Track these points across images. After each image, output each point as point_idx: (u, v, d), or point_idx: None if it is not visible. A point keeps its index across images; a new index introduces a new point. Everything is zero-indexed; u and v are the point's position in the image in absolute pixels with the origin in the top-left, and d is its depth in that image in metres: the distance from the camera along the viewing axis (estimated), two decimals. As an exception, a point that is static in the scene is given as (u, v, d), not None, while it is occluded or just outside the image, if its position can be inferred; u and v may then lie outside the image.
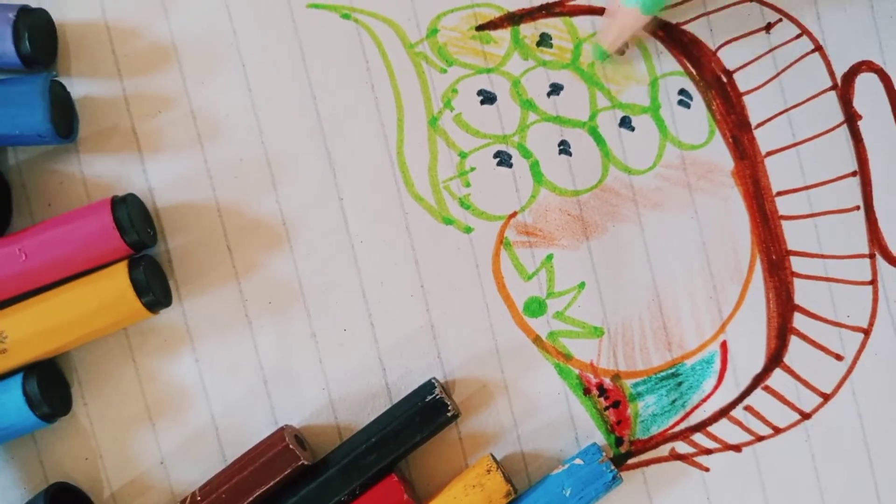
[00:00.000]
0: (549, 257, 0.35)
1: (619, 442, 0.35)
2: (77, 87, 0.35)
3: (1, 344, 0.33)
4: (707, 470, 0.35)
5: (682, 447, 0.35)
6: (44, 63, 0.34)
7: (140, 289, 0.33)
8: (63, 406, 0.34)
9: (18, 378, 0.33)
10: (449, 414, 0.33)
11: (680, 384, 0.35)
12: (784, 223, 0.36)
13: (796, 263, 0.36)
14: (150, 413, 0.35)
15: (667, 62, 0.36)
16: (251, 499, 0.33)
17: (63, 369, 0.35)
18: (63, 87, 0.34)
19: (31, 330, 0.33)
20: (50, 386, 0.34)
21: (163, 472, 0.35)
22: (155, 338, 0.35)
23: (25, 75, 0.33)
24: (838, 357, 0.36)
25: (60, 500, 0.33)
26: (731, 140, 0.36)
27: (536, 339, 0.35)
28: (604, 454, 0.34)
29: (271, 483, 0.33)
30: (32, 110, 0.32)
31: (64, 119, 0.34)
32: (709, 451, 0.35)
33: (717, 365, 0.35)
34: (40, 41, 0.34)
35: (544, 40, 0.36)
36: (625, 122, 0.36)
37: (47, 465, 0.35)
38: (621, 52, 0.36)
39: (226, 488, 0.33)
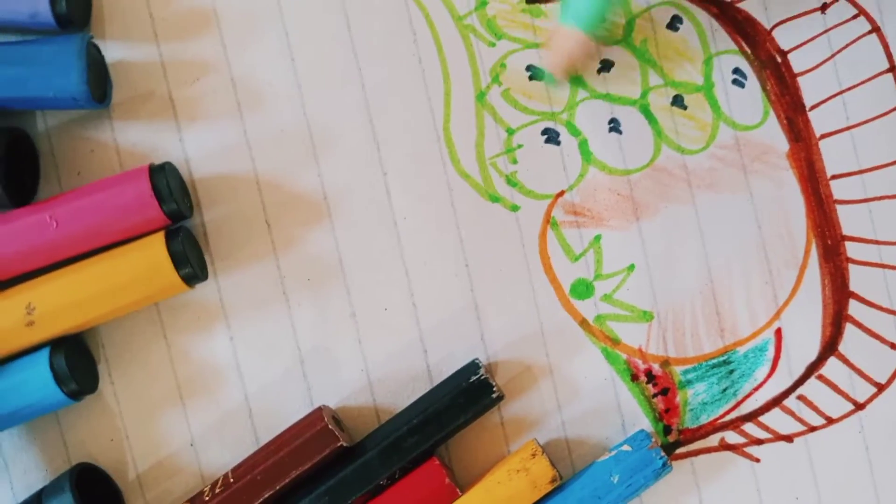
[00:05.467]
0: (598, 238, 0.34)
1: (667, 430, 0.34)
2: (111, 51, 0.34)
3: (28, 316, 0.31)
4: (758, 461, 0.34)
5: (732, 437, 0.34)
6: (79, 24, 0.33)
7: (178, 261, 0.31)
8: (90, 384, 0.33)
9: (45, 353, 0.32)
10: (494, 395, 0.32)
11: (732, 372, 0.34)
12: (839, 207, 0.35)
13: (851, 249, 0.35)
14: (180, 392, 0.34)
15: (721, 40, 0.35)
16: (287, 481, 0.32)
17: (90, 346, 0.33)
18: (98, 50, 0.33)
19: (61, 302, 0.31)
20: (77, 362, 0.32)
21: (192, 455, 0.34)
22: (188, 314, 0.34)
23: (60, 36, 0.32)
24: (893, 346, 0.35)
25: (84, 482, 0.32)
26: (785, 121, 0.35)
27: (583, 322, 0.34)
28: (653, 440, 0.33)
29: (309, 464, 0.32)
30: (68, 71, 0.31)
31: (98, 83, 0.33)
32: (760, 442, 0.34)
33: (770, 353, 0.34)
34: (76, 1, 0.32)
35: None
36: (677, 101, 0.35)
37: (71, 445, 0.33)
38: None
39: (261, 469, 0.32)
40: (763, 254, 0.34)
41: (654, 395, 0.34)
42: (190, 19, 0.34)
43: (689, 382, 0.34)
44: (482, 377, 0.32)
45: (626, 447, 0.33)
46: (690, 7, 0.35)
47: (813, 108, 0.35)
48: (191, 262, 0.31)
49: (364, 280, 0.34)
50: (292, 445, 0.32)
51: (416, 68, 0.34)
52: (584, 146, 0.35)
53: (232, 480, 0.32)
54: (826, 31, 0.35)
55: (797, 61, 0.35)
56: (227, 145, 0.34)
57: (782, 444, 0.34)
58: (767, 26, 0.35)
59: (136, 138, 0.34)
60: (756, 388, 0.34)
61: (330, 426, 0.32)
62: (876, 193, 0.35)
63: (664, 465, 0.32)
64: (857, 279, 0.35)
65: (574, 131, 0.35)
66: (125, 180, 0.31)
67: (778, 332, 0.34)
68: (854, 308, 0.35)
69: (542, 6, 0.35)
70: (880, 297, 0.35)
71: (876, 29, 0.35)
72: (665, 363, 0.34)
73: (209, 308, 0.34)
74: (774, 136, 0.35)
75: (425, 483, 0.32)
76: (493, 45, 0.34)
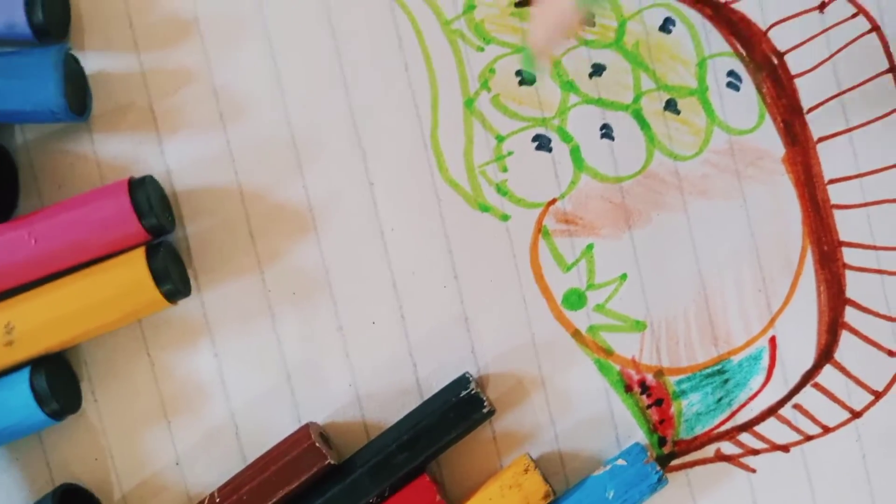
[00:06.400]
0: (590, 247, 0.34)
1: (661, 442, 0.34)
2: (91, 62, 0.33)
3: (7, 336, 0.31)
4: (754, 471, 0.34)
5: (727, 447, 0.34)
6: (57, 35, 0.32)
7: (159, 277, 0.31)
8: (72, 403, 0.32)
9: (25, 372, 0.31)
10: (485, 410, 0.32)
11: (726, 381, 0.34)
12: (836, 212, 0.34)
13: (848, 255, 0.34)
14: (165, 410, 0.33)
15: (715, 42, 0.34)
16: (275, 500, 0.31)
17: (72, 364, 0.33)
18: (77, 61, 0.32)
19: (41, 320, 0.31)
20: (59, 381, 0.32)
21: (178, 473, 0.33)
22: (171, 330, 0.33)
23: (37, 48, 0.31)
24: (891, 353, 0.34)
25: (68, 503, 0.31)
26: (781, 125, 0.34)
27: (575, 333, 0.34)
28: (649, 454, 0.32)
29: (296, 483, 0.31)
30: (45, 84, 0.30)
31: (77, 95, 0.32)
32: (756, 452, 0.34)
33: (765, 361, 0.34)
34: (54, 11, 0.31)
35: (587, 18, 0.34)
36: (670, 106, 0.34)
37: (54, 465, 0.33)
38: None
39: (247, 489, 0.31)
40: (757, 261, 0.34)
41: (649, 406, 0.34)
42: (171, 28, 0.33)
43: (684, 393, 0.34)
44: (473, 391, 0.32)
45: (621, 461, 0.32)
46: (683, 9, 0.34)
47: (811, 110, 0.34)
48: (172, 278, 0.31)
49: (351, 293, 0.33)
50: (279, 464, 0.31)
51: (402, 75, 0.33)
52: (575, 153, 0.34)
53: (218, 500, 0.31)
54: (824, 31, 0.34)
55: (794, 62, 0.34)
56: (209, 157, 0.33)
57: (778, 453, 0.34)
58: (763, 27, 0.34)
59: (116, 151, 0.33)
60: (751, 398, 0.34)
61: (317, 443, 0.31)
62: (875, 197, 0.34)
63: (660, 479, 0.32)
64: (854, 285, 0.34)
65: (566, 137, 0.34)
66: (104, 195, 0.31)
67: (772, 340, 0.34)
68: (850, 315, 0.34)
69: (531, 9, 0.34)
70: (878, 303, 0.34)
71: (876, 28, 0.34)
72: (659, 373, 0.34)
73: (193, 323, 0.33)
74: (770, 140, 0.34)
75: (416, 500, 0.32)
76: (482, 49, 0.34)
